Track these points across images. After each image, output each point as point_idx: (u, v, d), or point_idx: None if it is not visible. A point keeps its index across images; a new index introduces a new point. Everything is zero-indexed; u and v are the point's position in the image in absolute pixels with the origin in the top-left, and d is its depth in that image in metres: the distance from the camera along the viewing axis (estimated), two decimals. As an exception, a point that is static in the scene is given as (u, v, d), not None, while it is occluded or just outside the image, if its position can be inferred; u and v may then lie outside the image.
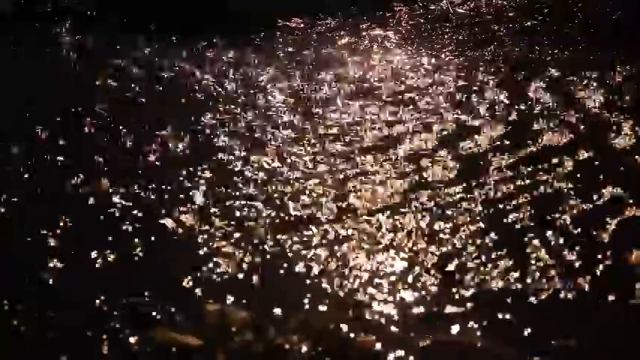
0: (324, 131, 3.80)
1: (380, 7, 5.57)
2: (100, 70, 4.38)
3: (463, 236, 2.98)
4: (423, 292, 2.69)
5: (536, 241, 2.93)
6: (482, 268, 2.79)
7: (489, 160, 3.52)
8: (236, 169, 3.44)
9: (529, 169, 3.43)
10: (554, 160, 3.48)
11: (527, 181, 3.33)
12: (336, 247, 2.91)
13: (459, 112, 4.00)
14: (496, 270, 2.79)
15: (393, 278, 2.76)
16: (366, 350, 2.43)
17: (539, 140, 3.69)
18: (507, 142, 3.67)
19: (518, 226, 3.04)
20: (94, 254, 2.80)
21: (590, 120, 3.90)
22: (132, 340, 2.41)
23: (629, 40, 4.89)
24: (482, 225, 3.04)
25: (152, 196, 3.19)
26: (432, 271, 2.79)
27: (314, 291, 2.68)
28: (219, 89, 4.27)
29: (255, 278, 2.74)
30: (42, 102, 4.01)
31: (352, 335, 2.48)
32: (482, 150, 3.62)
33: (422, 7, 5.66)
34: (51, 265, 2.74)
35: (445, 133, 3.80)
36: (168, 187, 3.26)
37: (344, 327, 2.51)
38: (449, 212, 3.13)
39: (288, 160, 3.52)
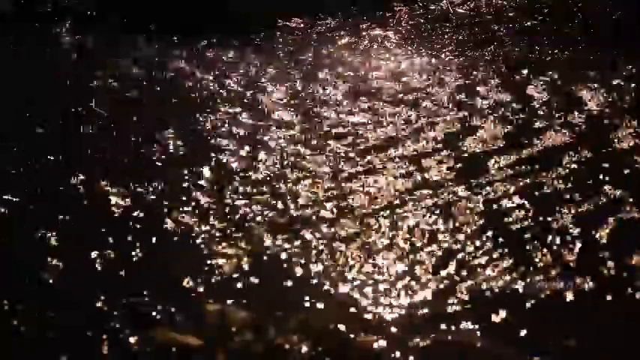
0: (324, 131, 3.80)
1: (380, 7, 5.57)
2: (100, 70, 4.38)
3: (463, 236, 2.98)
4: (423, 292, 2.69)
5: (536, 241, 2.93)
6: (482, 268, 2.79)
7: (489, 160, 3.52)
8: (236, 169, 3.44)
9: (529, 169, 3.43)
10: (554, 160, 3.48)
11: (527, 181, 3.33)
12: (336, 247, 2.91)
13: (459, 112, 4.00)
14: (496, 270, 2.79)
15: (393, 278, 2.76)
16: (366, 350, 2.43)
17: (539, 140, 3.69)
18: (507, 142, 3.67)
19: (518, 226, 3.04)
20: (94, 254, 2.80)
21: (590, 120, 3.91)
22: (132, 340, 2.41)
23: (629, 40, 4.89)
24: (482, 225, 3.04)
25: (152, 196, 3.19)
26: (432, 271, 2.79)
27: (314, 291, 2.68)
28: (219, 89, 4.27)
29: (255, 278, 2.74)
30: (42, 102, 4.01)
31: (352, 335, 2.48)
32: (482, 150, 3.62)
33: (422, 7, 5.66)
34: (51, 265, 2.74)
35: (445, 133, 3.80)
36: (168, 187, 3.26)
37: (344, 327, 2.51)
38: (449, 212, 3.13)
39: (288, 160, 3.52)
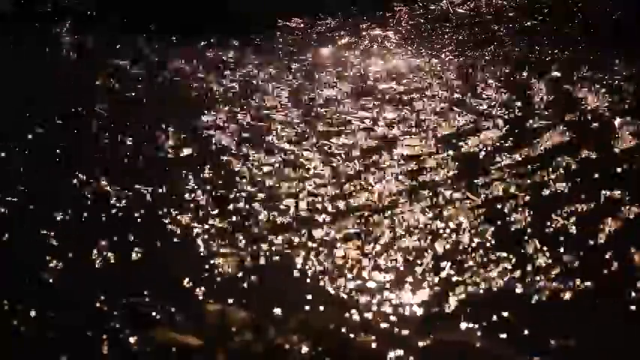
0: (324, 131, 3.80)
1: (380, 7, 5.56)
2: (100, 70, 4.38)
3: (463, 236, 2.98)
4: (423, 292, 2.69)
5: (536, 241, 2.93)
6: (482, 268, 2.79)
7: (489, 160, 3.52)
8: (236, 169, 3.44)
9: (529, 169, 3.43)
10: (554, 160, 3.48)
11: (527, 181, 3.33)
12: (336, 247, 2.91)
13: (459, 112, 4.00)
14: (496, 270, 2.79)
15: (393, 278, 2.76)
16: (366, 350, 2.43)
17: (539, 140, 3.69)
18: (507, 142, 3.67)
19: (518, 226, 3.04)
20: (94, 254, 2.80)
21: (590, 120, 3.90)
22: (132, 340, 2.41)
23: (629, 40, 4.89)
24: (482, 225, 3.04)
25: (152, 196, 3.19)
26: (432, 271, 2.79)
27: (314, 291, 2.68)
28: (219, 89, 4.27)
29: (255, 278, 2.74)
30: (42, 102, 4.01)
31: (352, 335, 2.48)
32: (482, 150, 3.62)
33: (422, 7, 5.66)
34: (51, 265, 2.74)
35: (445, 133, 3.80)
36: (168, 187, 3.26)
37: (344, 327, 2.51)
38: (449, 212, 3.13)
39: (288, 160, 3.52)
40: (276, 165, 3.48)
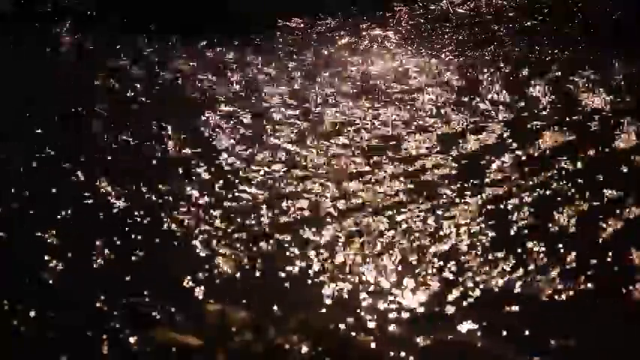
0: (324, 131, 3.80)
1: (380, 7, 5.56)
2: (100, 70, 4.38)
3: (463, 236, 2.98)
4: (423, 292, 2.69)
5: (536, 241, 2.93)
6: (482, 268, 2.79)
7: (489, 160, 3.52)
8: (236, 169, 3.44)
9: (529, 169, 3.43)
10: (554, 160, 3.48)
11: (527, 181, 3.33)
12: (336, 247, 2.91)
13: (459, 112, 4.00)
14: (496, 270, 2.79)
15: (393, 278, 2.76)
16: (366, 350, 2.43)
17: (539, 140, 3.69)
18: (507, 142, 3.67)
19: (518, 226, 3.04)
20: (94, 254, 2.80)
21: (590, 120, 3.90)
22: (132, 340, 2.41)
23: (629, 40, 4.89)
24: (482, 225, 3.04)
25: (152, 196, 3.19)
26: (432, 271, 2.79)
27: (314, 291, 2.68)
28: (219, 89, 4.27)
29: (255, 278, 2.74)
30: (42, 102, 4.01)
31: (352, 335, 2.48)
32: (482, 150, 3.62)
33: (422, 7, 5.66)
34: (51, 265, 2.74)
35: (445, 133, 3.80)
36: (168, 187, 3.26)
37: (344, 327, 2.51)
38: (449, 212, 3.13)
39: (288, 160, 3.52)
40: (276, 165, 3.48)
